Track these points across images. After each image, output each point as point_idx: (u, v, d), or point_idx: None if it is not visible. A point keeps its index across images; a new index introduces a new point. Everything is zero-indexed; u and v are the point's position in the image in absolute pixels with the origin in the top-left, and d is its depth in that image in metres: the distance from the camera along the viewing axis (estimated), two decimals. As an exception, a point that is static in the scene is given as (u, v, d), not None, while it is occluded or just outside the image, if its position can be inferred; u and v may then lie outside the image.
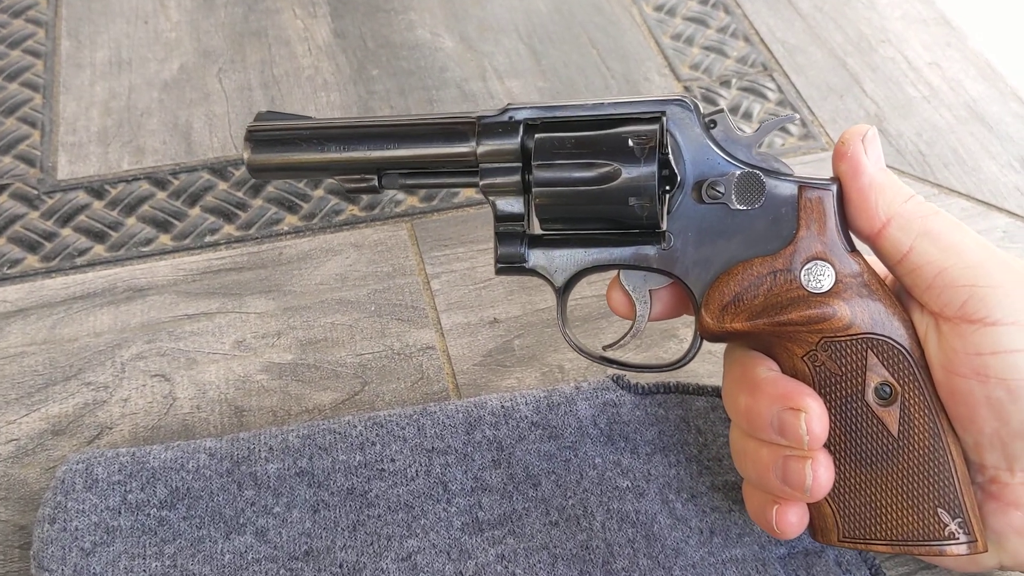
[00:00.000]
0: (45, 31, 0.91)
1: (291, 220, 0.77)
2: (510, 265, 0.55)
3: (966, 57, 0.91)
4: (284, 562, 0.55)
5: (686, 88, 0.88)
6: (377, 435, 0.59)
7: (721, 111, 0.53)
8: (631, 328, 0.56)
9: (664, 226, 0.53)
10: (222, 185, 0.79)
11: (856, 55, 0.91)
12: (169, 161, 0.81)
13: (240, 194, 0.79)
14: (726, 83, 0.89)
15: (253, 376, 0.67)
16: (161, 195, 0.78)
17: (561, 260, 0.55)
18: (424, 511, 0.56)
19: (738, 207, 0.52)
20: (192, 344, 0.68)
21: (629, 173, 0.51)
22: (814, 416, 0.49)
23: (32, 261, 0.74)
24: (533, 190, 0.53)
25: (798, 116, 0.55)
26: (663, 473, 0.58)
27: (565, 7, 0.95)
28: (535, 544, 0.56)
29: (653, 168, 0.51)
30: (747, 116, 0.85)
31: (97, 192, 0.78)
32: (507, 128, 0.54)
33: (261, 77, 0.88)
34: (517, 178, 0.54)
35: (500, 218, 0.55)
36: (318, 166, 0.56)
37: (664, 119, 0.52)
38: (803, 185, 0.52)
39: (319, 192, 0.79)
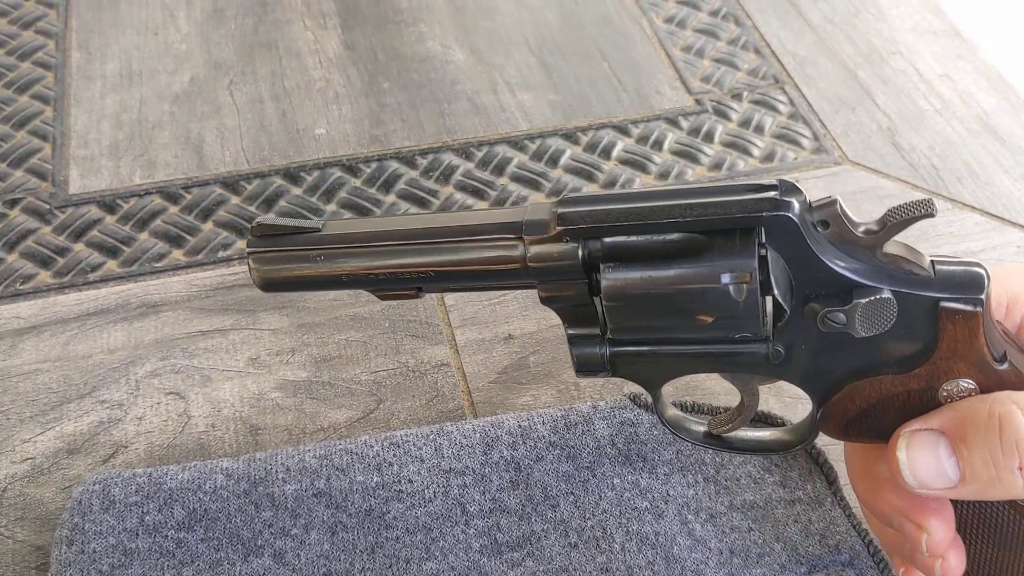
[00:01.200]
0: (55, 43, 0.91)
1: (304, 235, 0.77)
2: (592, 372, 0.48)
3: (977, 69, 0.91)
4: (303, 584, 0.55)
5: (697, 101, 0.88)
6: (394, 455, 0.59)
7: (833, 202, 0.43)
8: (739, 414, 0.50)
9: (771, 348, 0.45)
10: (234, 199, 0.79)
11: (867, 67, 0.91)
12: (181, 175, 0.81)
13: (253, 208, 0.79)
14: (737, 96, 0.89)
15: (268, 394, 0.67)
16: (173, 209, 0.78)
17: (649, 369, 0.48)
18: (442, 533, 0.56)
19: (863, 335, 0.43)
20: (206, 361, 0.68)
21: (725, 319, 0.43)
22: (936, 537, 0.46)
23: (45, 277, 0.73)
24: (604, 304, 0.45)
25: (935, 213, 0.43)
26: (681, 494, 0.58)
27: (575, 19, 0.95)
28: (554, 567, 0.56)
29: (756, 312, 0.43)
30: (759, 130, 0.85)
31: (109, 206, 0.78)
32: (565, 255, 0.46)
33: (272, 89, 0.88)
34: (582, 284, 0.46)
35: (569, 323, 0.48)
36: (343, 282, 0.49)
37: (761, 235, 0.43)
38: (946, 306, 0.43)
39: (332, 206, 0.79)
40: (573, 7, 0.96)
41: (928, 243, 0.76)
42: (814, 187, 0.80)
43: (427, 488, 0.58)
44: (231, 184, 0.80)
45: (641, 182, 0.81)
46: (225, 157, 0.82)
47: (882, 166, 0.83)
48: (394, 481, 0.58)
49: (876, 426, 0.45)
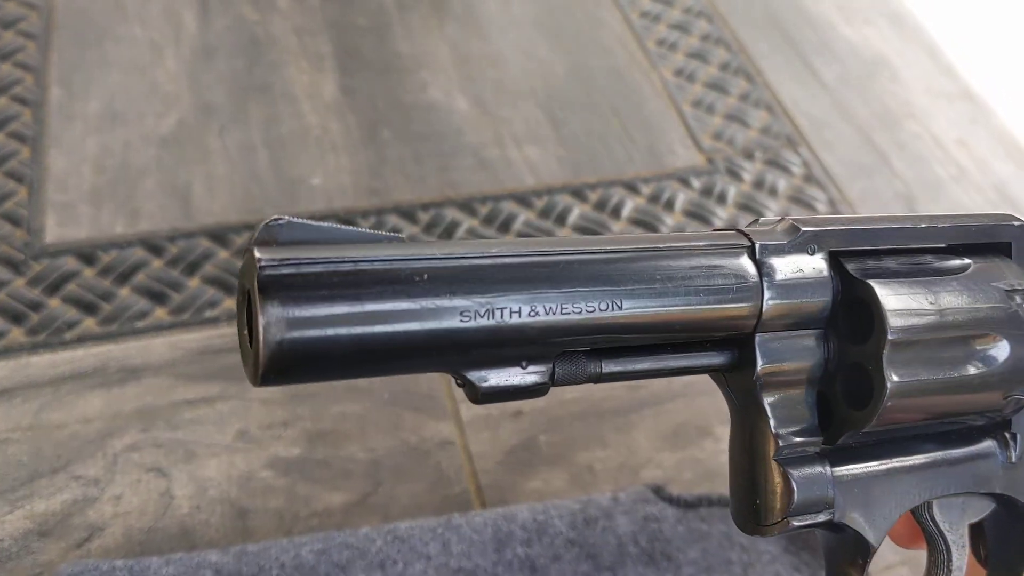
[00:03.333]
0: (34, 78, 0.86)
1: (297, 295, 0.72)
2: (809, 521, 0.33)
3: (992, 135, 0.89)
4: None
5: (709, 160, 0.84)
6: (399, 551, 0.55)
7: None
8: None
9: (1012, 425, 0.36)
10: (223, 253, 0.74)
11: (882, 131, 0.88)
12: (166, 225, 0.76)
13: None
14: (749, 156, 0.85)
15: (257, 472, 0.62)
16: (157, 263, 0.73)
17: (884, 498, 0.34)
18: (452, 641, 0.52)
19: None
20: (191, 434, 0.63)
21: (1015, 350, 0.34)
22: None
23: (17, 335, 0.68)
24: (886, 386, 0.32)
25: None
26: (708, 599, 0.54)
27: (583, 72, 0.91)
28: None
29: None
30: (772, 192, 0.82)
31: (88, 258, 0.73)
32: (808, 264, 0.33)
33: (265, 136, 0.83)
34: (820, 356, 0.33)
35: (781, 435, 0.33)
36: (443, 341, 0.28)
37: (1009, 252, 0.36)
38: None
39: (327, 264, 0.74)
40: (582, 58, 0.92)
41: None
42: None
43: (434, 588, 0.54)
44: (219, 236, 0.75)
45: (653, 246, 0.77)
46: (214, 207, 0.77)
47: (901, 235, 0.80)
48: (398, 580, 0.54)
49: None
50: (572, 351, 0.31)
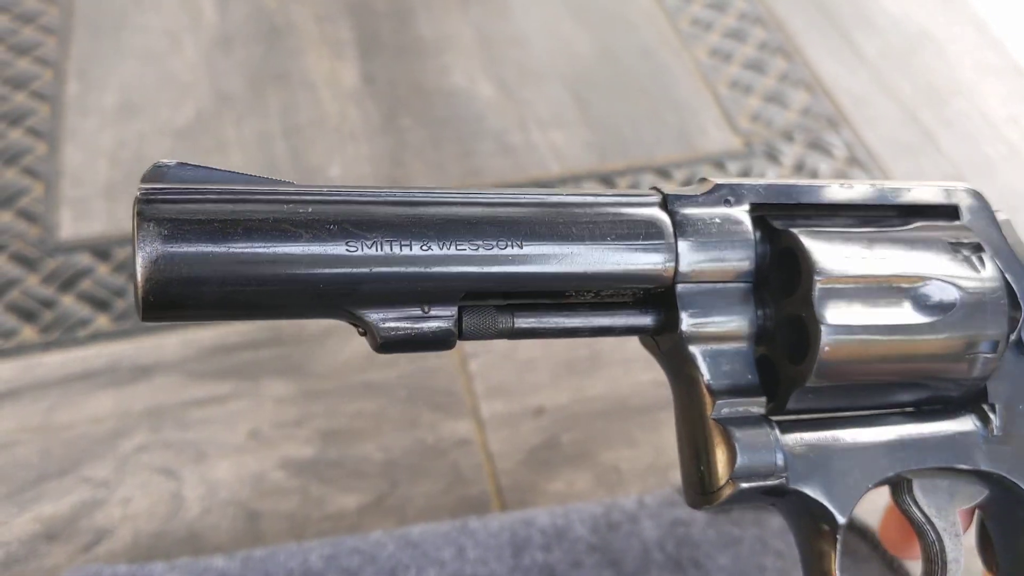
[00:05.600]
0: (53, 73, 0.84)
1: (314, 288, 0.70)
2: (756, 484, 0.30)
3: (1047, 111, 0.84)
4: None
5: (746, 142, 0.81)
6: (411, 557, 0.52)
7: (1002, 215, 0.36)
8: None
9: (991, 395, 0.34)
10: (239, 247, 0.72)
11: (927, 108, 0.84)
12: (181, 219, 0.74)
13: (258, 258, 0.72)
14: (789, 137, 0.81)
15: (269, 473, 0.59)
16: (172, 258, 0.71)
17: (846, 472, 0.31)
18: (465, 652, 0.49)
19: None
20: (202, 434, 0.61)
21: (970, 299, 0.32)
22: None
23: (29, 333, 0.67)
24: (820, 331, 0.30)
25: None
26: (739, 608, 0.51)
27: (611, 52, 0.88)
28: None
29: (1000, 287, 0.32)
30: (813, 175, 0.78)
31: (102, 254, 0.72)
32: (730, 220, 0.32)
33: (283, 125, 0.81)
34: (751, 312, 0.32)
35: (720, 390, 0.31)
36: (335, 278, 0.28)
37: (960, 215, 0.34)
38: None
39: (345, 256, 0.72)
40: (609, 38, 0.89)
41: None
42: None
43: (448, 596, 0.51)
44: (236, 230, 0.73)
45: (684, 234, 0.74)
46: (230, 200, 0.75)
47: (948, 219, 0.75)
48: (410, 587, 0.51)
49: None
50: (481, 304, 0.29)
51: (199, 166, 0.29)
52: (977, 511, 0.36)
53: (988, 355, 0.32)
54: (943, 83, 0.86)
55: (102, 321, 0.68)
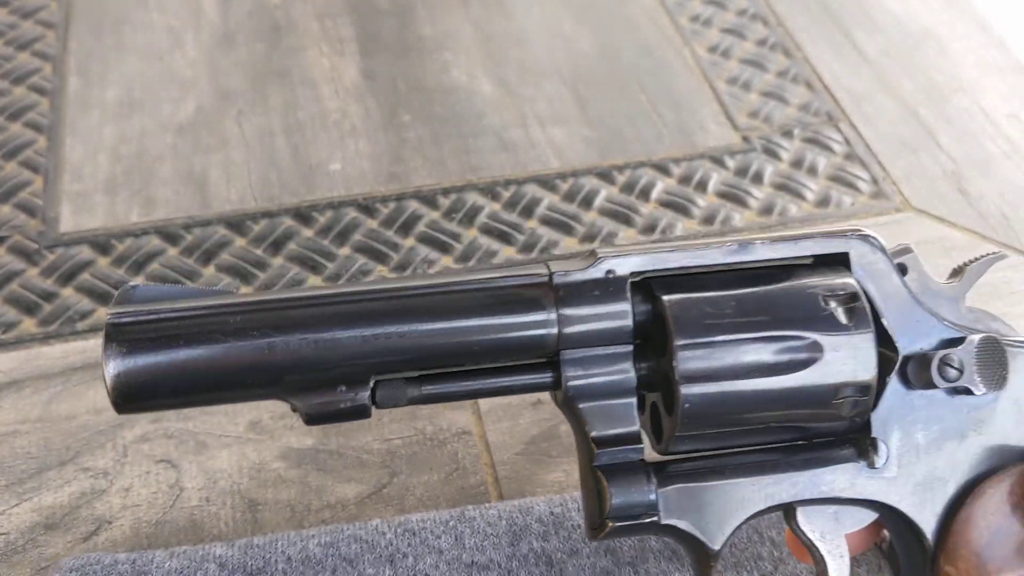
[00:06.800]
0: (52, 67, 0.85)
1: (314, 281, 0.70)
2: (631, 522, 0.34)
3: (1047, 109, 0.84)
4: None
5: (744, 139, 0.81)
6: (409, 545, 0.52)
7: (909, 250, 0.38)
8: None
9: (873, 430, 0.36)
10: (239, 241, 0.73)
11: (928, 105, 0.84)
12: (182, 214, 0.74)
13: (259, 252, 0.72)
14: (788, 134, 0.81)
15: (269, 464, 0.60)
16: (173, 251, 0.72)
17: (717, 506, 0.34)
18: (463, 639, 0.49)
19: (982, 391, 0.35)
20: (202, 425, 0.61)
21: (834, 351, 0.34)
22: None
23: (29, 325, 0.67)
24: (681, 390, 0.34)
25: (1006, 255, 0.40)
26: (737, 596, 0.51)
27: (611, 49, 0.88)
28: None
29: (870, 338, 0.34)
30: (812, 171, 0.78)
31: (103, 247, 0.72)
32: (607, 289, 0.34)
33: (284, 121, 0.81)
34: (629, 370, 0.35)
35: (600, 440, 0.35)
36: (260, 372, 0.33)
37: (848, 262, 0.36)
38: None
39: (345, 250, 0.72)
40: (609, 35, 0.89)
41: (1002, 301, 0.68)
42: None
43: (446, 584, 0.51)
44: (236, 224, 0.74)
45: (684, 226, 0.74)
46: (231, 194, 0.76)
47: (948, 214, 0.75)
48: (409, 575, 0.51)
49: (1008, 557, 0.34)
50: (393, 377, 0.34)
51: (159, 285, 0.36)
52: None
53: (858, 399, 0.34)
54: (944, 80, 0.86)
55: (102, 313, 0.68)
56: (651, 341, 0.35)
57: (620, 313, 0.35)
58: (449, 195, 0.76)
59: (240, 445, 0.60)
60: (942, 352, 0.35)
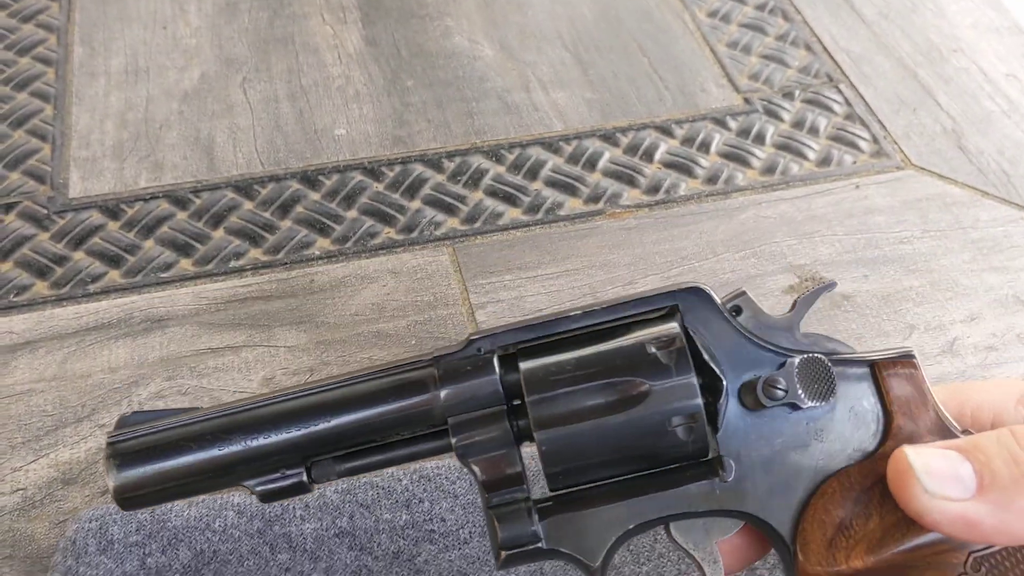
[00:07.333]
0: (57, 37, 0.85)
1: (323, 244, 0.71)
2: (520, 552, 0.40)
3: (1044, 68, 0.85)
4: (323, 637, 0.49)
5: (746, 100, 0.81)
6: (424, 491, 0.53)
7: (742, 293, 0.43)
8: None
9: (715, 451, 0.41)
10: (248, 205, 0.73)
11: (927, 66, 0.84)
12: (190, 178, 0.75)
13: (267, 215, 0.72)
14: (788, 95, 0.82)
15: (283, 418, 0.60)
16: (181, 215, 0.72)
17: (592, 528, 0.40)
18: (480, 580, 0.50)
19: (809, 404, 0.40)
20: (216, 381, 0.62)
21: (660, 389, 0.40)
22: None
23: (41, 288, 0.67)
24: (535, 436, 0.40)
25: (836, 283, 0.46)
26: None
27: (612, 13, 0.88)
28: (643, 568, 0.49)
29: (689, 374, 0.40)
30: (813, 131, 0.79)
31: (112, 212, 0.72)
32: (477, 364, 0.41)
33: (288, 87, 0.82)
34: (504, 426, 0.41)
35: (492, 494, 0.41)
36: (218, 470, 0.42)
37: (679, 314, 0.42)
38: (882, 360, 0.41)
39: (352, 213, 0.73)
40: (609, 0, 0.89)
41: (1003, 255, 0.69)
42: (876, 193, 0.74)
43: (461, 528, 0.52)
44: (244, 188, 0.74)
45: (688, 186, 0.75)
46: (238, 159, 0.76)
47: (948, 171, 0.76)
48: (425, 520, 0.52)
49: (863, 538, 0.39)
50: (323, 457, 0.42)
51: (149, 411, 0.45)
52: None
53: (691, 425, 0.40)
54: (942, 41, 0.87)
55: (113, 275, 0.68)
56: (522, 400, 0.41)
57: (490, 381, 0.41)
58: (454, 158, 0.77)
59: (254, 401, 0.61)
60: (765, 376, 0.40)
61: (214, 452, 0.42)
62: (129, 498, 0.43)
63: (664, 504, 0.40)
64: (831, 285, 0.44)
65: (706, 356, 0.41)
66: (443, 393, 0.41)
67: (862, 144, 0.78)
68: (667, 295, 0.42)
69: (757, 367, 0.41)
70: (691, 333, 0.41)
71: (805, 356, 0.41)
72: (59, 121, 0.79)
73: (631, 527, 0.40)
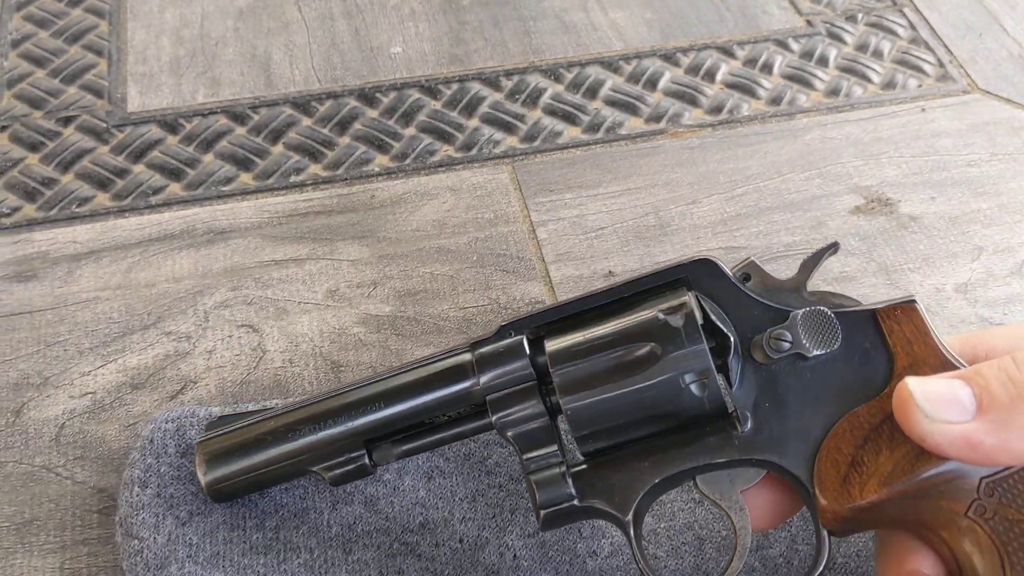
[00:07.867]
0: (109, -47, 0.84)
1: (382, 160, 0.70)
2: (558, 511, 0.44)
3: (1115, -7, 0.82)
4: (398, 535, 0.49)
5: (808, 22, 0.80)
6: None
7: (749, 260, 0.46)
8: (734, 549, 0.44)
9: (731, 406, 0.44)
10: (306, 121, 0.73)
11: (994, -11, 0.82)
12: (248, 94, 0.74)
13: (326, 131, 0.72)
14: (851, 18, 0.80)
15: (349, 328, 0.60)
16: (240, 130, 0.72)
17: (621, 485, 0.44)
18: (553, 483, 0.51)
19: (815, 353, 0.43)
20: (281, 292, 0.62)
21: (672, 351, 0.43)
22: None
23: (103, 199, 0.68)
24: (563, 407, 0.44)
25: (839, 245, 0.47)
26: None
27: (671, -66, 0.86)
28: (677, 524, 0.49)
29: (698, 336, 0.43)
30: (877, 55, 0.77)
31: (171, 126, 0.72)
32: (510, 347, 0.46)
33: (343, 5, 0.81)
34: (536, 402, 0.45)
35: (529, 461, 0.45)
36: (292, 459, 0.48)
37: (690, 284, 0.45)
38: (882, 308, 0.43)
39: (411, 130, 0.72)
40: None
41: (1071, 179, 0.68)
42: (943, 116, 0.73)
43: (533, 434, 0.52)
44: (302, 105, 0.74)
45: (751, 107, 0.74)
46: (295, 76, 0.76)
47: (1016, 95, 0.75)
48: (496, 426, 0.52)
49: (875, 473, 0.41)
50: (381, 442, 0.48)
51: (230, 415, 0.51)
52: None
53: (704, 382, 0.43)
54: (1008, -34, 0.85)
55: (174, 188, 0.68)
56: (548, 378, 0.45)
57: (520, 360, 0.46)
58: (511, 77, 0.76)
59: (320, 311, 0.61)
60: (770, 330, 0.44)
61: (287, 445, 0.48)
62: (219, 490, 0.49)
63: (686, 457, 0.43)
64: (834, 246, 0.46)
65: (715, 319, 0.44)
66: (481, 378, 0.46)
67: (927, 68, 0.77)
68: (678, 268, 0.46)
69: (766, 325, 0.44)
70: (701, 299, 0.45)
71: (808, 309, 0.44)
72: (115, 37, 0.78)
73: (657, 481, 0.44)
